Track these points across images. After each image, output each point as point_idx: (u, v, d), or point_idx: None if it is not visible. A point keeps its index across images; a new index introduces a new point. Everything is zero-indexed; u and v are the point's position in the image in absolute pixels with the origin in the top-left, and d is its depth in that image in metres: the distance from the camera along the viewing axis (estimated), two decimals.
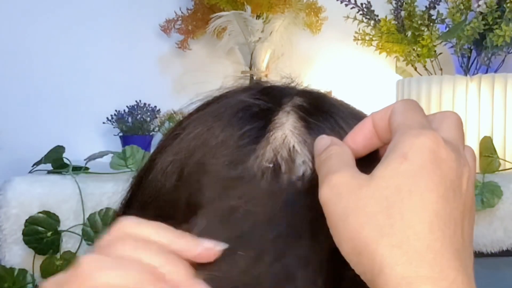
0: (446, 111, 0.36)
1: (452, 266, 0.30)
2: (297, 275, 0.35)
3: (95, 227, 0.93)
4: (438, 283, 0.30)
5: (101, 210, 0.93)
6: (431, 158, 0.32)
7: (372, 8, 1.24)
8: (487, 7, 1.10)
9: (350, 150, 0.35)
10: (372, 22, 1.25)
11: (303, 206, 0.36)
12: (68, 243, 0.93)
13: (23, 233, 0.92)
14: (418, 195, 0.31)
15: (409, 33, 1.22)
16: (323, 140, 0.36)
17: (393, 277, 0.30)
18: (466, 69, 1.20)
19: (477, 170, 1.06)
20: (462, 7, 1.16)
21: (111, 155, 1.00)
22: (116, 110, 1.31)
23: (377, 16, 1.24)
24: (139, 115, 1.29)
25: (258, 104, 0.39)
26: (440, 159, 0.32)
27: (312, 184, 0.36)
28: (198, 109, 0.42)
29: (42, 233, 0.92)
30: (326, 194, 0.33)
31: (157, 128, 1.30)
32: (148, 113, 1.30)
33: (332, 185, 0.33)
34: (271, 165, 0.37)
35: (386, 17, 1.24)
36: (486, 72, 1.16)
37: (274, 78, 0.44)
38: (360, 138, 0.36)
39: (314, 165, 0.36)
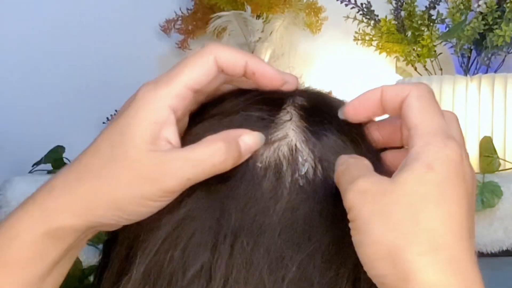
0: (448, 111, 0.37)
1: (475, 279, 0.31)
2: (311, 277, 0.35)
3: None
4: None
5: None
6: (457, 171, 0.32)
7: (372, 8, 1.24)
8: (487, 7, 1.10)
9: (367, 160, 0.36)
10: (372, 22, 1.25)
11: (307, 206, 0.36)
12: None
13: None
14: (445, 205, 0.31)
15: (409, 33, 1.22)
16: (342, 158, 0.36)
17: (423, 284, 0.30)
18: (466, 69, 1.20)
19: (477, 170, 1.06)
20: (462, 7, 1.16)
21: None
22: (116, 110, 1.30)
23: (377, 16, 1.24)
24: None
25: (259, 105, 0.39)
26: (464, 172, 0.33)
27: (314, 182, 0.36)
28: (198, 109, 0.42)
29: None
30: (352, 200, 0.33)
31: None
32: None
33: (357, 190, 0.33)
34: (272, 165, 0.37)
35: (386, 17, 1.24)
36: (486, 72, 1.16)
37: None
38: (362, 108, 0.37)
39: (316, 164, 0.37)
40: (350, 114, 0.37)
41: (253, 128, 0.38)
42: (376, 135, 0.38)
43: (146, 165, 0.35)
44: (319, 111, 0.40)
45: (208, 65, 0.36)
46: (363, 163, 0.35)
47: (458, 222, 0.31)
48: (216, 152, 0.35)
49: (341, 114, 0.38)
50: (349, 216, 0.33)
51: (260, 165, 0.37)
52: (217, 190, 0.36)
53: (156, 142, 0.35)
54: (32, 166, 1.05)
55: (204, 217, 0.36)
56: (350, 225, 0.33)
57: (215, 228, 0.36)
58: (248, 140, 0.36)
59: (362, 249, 0.32)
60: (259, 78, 0.38)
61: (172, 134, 0.36)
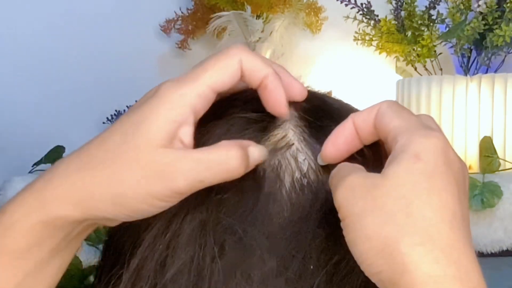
0: (423, 114, 0.37)
1: (475, 269, 0.31)
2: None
3: None
4: (465, 284, 0.30)
5: None
6: (444, 159, 0.32)
7: (372, 8, 1.24)
8: (487, 7, 1.10)
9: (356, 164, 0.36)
10: (372, 22, 1.25)
11: (309, 208, 0.36)
12: None
13: None
14: (436, 194, 0.31)
15: (409, 33, 1.22)
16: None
17: (419, 275, 0.30)
18: (466, 69, 1.20)
19: (477, 170, 1.06)
20: (462, 7, 1.16)
21: None
22: (116, 110, 1.31)
23: (377, 16, 1.24)
24: None
25: (258, 105, 0.39)
26: (450, 159, 0.33)
27: (314, 183, 0.36)
28: None
29: None
30: (342, 196, 0.33)
31: None
32: None
33: (346, 186, 0.33)
34: (272, 165, 0.37)
35: (386, 17, 1.24)
36: (486, 72, 1.16)
37: None
38: (341, 141, 0.36)
39: (316, 163, 0.37)
40: (332, 153, 0.36)
41: (252, 128, 0.38)
42: (332, 152, 0.36)
43: (158, 163, 0.33)
44: (318, 111, 0.40)
45: (233, 68, 0.36)
46: (354, 165, 0.35)
47: (451, 211, 0.31)
48: (232, 157, 0.34)
49: (320, 160, 0.37)
50: (340, 215, 0.33)
51: (259, 165, 0.37)
52: (214, 189, 0.36)
53: (171, 141, 0.34)
54: (32, 166, 1.05)
55: (197, 215, 0.36)
56: (341, 224, 0.33)
57: (205, 226, 0.36)
58: (255, 151, 0.36)
59: (357, 247, 0.32)
60: (267, 95, 0.37)
61: (187, 134, 0.35)
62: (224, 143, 0.35)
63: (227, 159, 0.34)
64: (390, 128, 0.34)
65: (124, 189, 0.34)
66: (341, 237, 0.33)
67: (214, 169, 0.34)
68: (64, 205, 0.35)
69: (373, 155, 0.37)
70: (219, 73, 0.35)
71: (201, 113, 0.36)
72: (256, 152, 0.36)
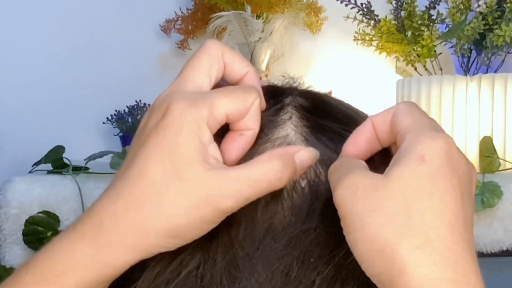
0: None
1: (473, 271, 0.31)
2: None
3: None
4: (462, 286, 0.30)
5: None
6: (448, 161, 0.32)
7: (372, 8, 1.24)
8: (487, 7, 1.10)
9: (361, 160, 0.36)
10: (372, 22, 1.25)
11: (309, 207, 0.36)
12: None
13: (23, 233, 0.92)
14: (438, 197, 0.31)
15: (409, 33, 1.22)
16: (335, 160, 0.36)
17: (416, 278, 0.30)
18: (466, 69, 1.20)
19: (477, 170, 1.06)
20: (462, 7, 1.16)
21: (111, 155, 1.00)
22: (116, 110, 1.31)
23: (377, 16, 1.24)
24: (139, 115, 1.29)
25: None
26: (455, 162, 0.32)
27: (315, 183, 0.36)
28: None
29: (42, 233, 0.92)
30: (341, 195, 0.33)
31: None
32: None
33: (347, 186, 0.32)
34: None
35: (386, 17, 1.24)
36: (486, 72, 1.16)
37: (274, 78, 0.44)
38: (361, 142, 0.36)
39: (317, 162, 0.37)
40: (353, 153, 0.36)
41: None
42: (353, 152, 0.37)
43: (203, 187, 0.33)
44: (319, 111, 0.40)
45: (249, 102, 0.36)
46: (355, 161, 0.35)
47: (452, 213, 0.31)
48: (271, 171, 0.34)
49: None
50: (340, 213, 0.33)
51: None
52: None
53: (207, 161, 0.34)
54: (32, 166, 1.05)
55: None
56: (341, 223, 0.33)
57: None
58: (303, 156, 0.36)
59: (357, 247, 0.32)
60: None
61: (216, 150, 0.35)
62: (265, 155, 0.35)
63: (267, 173, 0.34)
64: (402, 126, 0.34)
65: (175, 221, 0.33)
66: (343, 235, 0.33)
67: (256, 185, 0.34)
68: (119, 252, 0.34)
69: (381, 159, 0.37)
70: (234, 102, 0.36)
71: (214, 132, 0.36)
72: (304, 156, 0.36)
